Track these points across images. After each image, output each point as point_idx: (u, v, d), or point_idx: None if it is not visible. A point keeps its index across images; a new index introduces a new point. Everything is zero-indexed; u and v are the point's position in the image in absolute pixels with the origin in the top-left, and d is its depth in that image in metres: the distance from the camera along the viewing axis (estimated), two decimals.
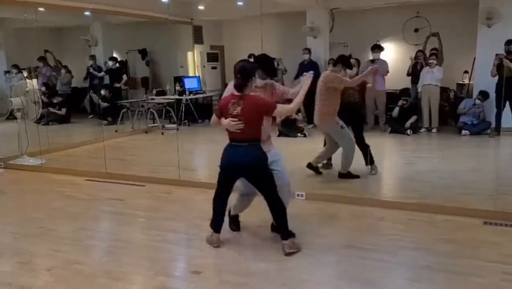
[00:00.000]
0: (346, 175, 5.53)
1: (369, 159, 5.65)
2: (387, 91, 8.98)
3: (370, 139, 5.76)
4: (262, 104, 3.49)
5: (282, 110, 3.61)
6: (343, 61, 5.44)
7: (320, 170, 5.83)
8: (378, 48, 8.87)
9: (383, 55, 9.01)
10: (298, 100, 3.59)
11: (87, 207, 4.89)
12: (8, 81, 9.07)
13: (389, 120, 8.82)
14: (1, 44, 9.23)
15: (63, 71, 10.22)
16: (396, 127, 8.54)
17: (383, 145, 7.92)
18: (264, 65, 3.73)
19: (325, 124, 5.44)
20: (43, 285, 3.18)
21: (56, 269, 3.40)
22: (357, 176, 5.53)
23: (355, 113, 5.80)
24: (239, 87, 3.44)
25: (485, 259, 3.37)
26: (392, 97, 8.96)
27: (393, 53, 10.01)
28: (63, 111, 9.89)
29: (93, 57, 10.20)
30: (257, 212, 4.56)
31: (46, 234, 4.11)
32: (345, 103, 5.52)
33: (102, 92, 9.79)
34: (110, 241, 4.02)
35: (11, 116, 6.96)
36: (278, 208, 3.55)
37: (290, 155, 6.88)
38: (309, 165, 5.76)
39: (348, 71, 5.76)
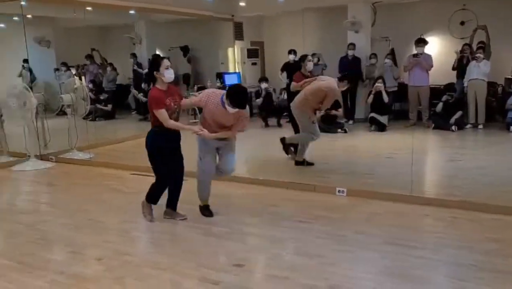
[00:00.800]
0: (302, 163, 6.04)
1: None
2: (430, 86, 8.77)
3: (413, 135, 5.66)
4: None
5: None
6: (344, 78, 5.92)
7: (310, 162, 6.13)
8: (422, 42, 8.67)
9: (427, 49, 8.79)
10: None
11: (132, 200, 5.06)
12: (58, 78, 9.47)
13: (433, 115, 8.62)
14: (51, 42, 9.62)
15: (108, 68, 10.55)
16: (440, 123, 8.33)
17: (426, 141, 7.76)
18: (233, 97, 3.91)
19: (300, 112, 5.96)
20: (94, 274, 3.34)
21: (106, 259, 3.56)
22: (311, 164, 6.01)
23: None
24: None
25: None
26: (436, 92, 8.74)
27: (437, 47, 9.74)
28: (109, 107, 10.23)
29: (134, 55, 10.47)
30: (297, 206, 4.61)
31: (95, 226, 4.31)
32: None
33: (143, 86, 10.05)
34: (155, 233, 4.16)
35: (61, 112, 7.29)
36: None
37: (331, 152, 6.89)
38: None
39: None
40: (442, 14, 9.66)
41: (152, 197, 4.30)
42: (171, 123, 4.01)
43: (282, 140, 6.29)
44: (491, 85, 8.70)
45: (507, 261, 3.27)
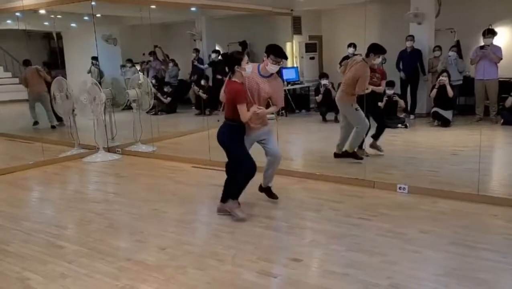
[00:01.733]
0: (348, 154, 6.03)
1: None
2: (499, 79, 8.30)
3: (481, 131, 5.40)
4: None
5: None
6: (374, 49, 5.80)
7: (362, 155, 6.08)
8: (491, 33, 8.20)
9: (496, 41, 8.31)
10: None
11: (194, 192, 5.23)
12: (124, 74, 9.91)
13: (501, 110, 8.16)
14: (117, 40, 10.08)
15: (170, 64, 10.90)
16: (510, 118, 7.87)
17: (494, 137, 7.37)
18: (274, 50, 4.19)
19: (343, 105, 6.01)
20: (158, 262, 3.48)
21: (169, 248, 3.70)
22: (361, 158, 5.97)
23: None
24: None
25: None
26: (506, 86, 8.26)
27: (508, 38, 9.17)
28: (167, 100, 10.53)
29: (196, 50, 10.74)
30: (355, 202, 4.55)
31: (159, 216, 4.49)
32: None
33: (202, 82, 10.28)
34: (215, 225, 4.26)
35: (126, 107, 7.63)
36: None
37: (391, 148, 6.71)
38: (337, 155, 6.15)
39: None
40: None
41: (237, 192, 4.34)
42: (248, 117, 4.09)
43: (345, 154, 6.12)
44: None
45: None
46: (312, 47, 11.25)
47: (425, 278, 3.06)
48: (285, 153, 6.36)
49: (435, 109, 8.34)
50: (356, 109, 5.84)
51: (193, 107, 11.10)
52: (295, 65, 11.08)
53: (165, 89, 10.54)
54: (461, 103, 9.13)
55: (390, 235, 3.74)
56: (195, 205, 4.84)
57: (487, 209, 4.20)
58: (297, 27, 11.18)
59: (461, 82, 8.85)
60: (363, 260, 3.34)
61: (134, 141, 7.49)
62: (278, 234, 3.99)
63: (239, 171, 4.25)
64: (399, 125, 8.22)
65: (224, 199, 4.40)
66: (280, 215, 4.37)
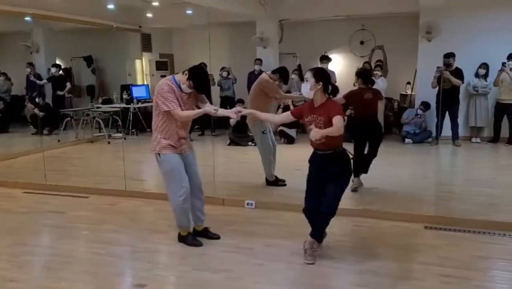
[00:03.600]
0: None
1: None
2: None
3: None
4: None
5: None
6: (281, 72, 5.62)
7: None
8: (326, 59, 9.07)
9: (331, 66, 9.22)
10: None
11: (25, 221, 4.61)
12: None
13: None
14: None
15: (1, 78, 9.72)
16: None
17: None
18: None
19: (252, 125, 5.69)
20: None
21: None
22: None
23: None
24: None
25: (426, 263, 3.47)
26: None
27: (340, 64, 10.28)
28: None
29: (31, 64, 9.74)
30: (210, 220, 4.49)
31: None
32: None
33: (37, 100, 9.36)
34: (48, 256, 3.81)
35: None
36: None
37: (243, 164, 6.86)
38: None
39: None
40: (344, 33, 10.25)
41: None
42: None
43: (269, 182, 5.72)
44: (388, 101, 9.33)
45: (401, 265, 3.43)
46: (163, 65, 11.09)
47: None
48: (134, 174, 6.11)
49: (281, 128, 8.84)
50: (263, 132, 5.64)
51: (31, 126, 10.02)
52: (145, 83, 10.78)
53: None
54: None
55: (236, 250, 3.75)
56: (26, 235, 4.25)
57: None
58: (146, 44, 10.94)
59: (302, 102, 9.54)
60: (209, 278, 3.27)
61: None
62: (121, 260, 3.71)
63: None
64: (250, 143, 8.49)
65: None
66: (124, 240, 4.08)
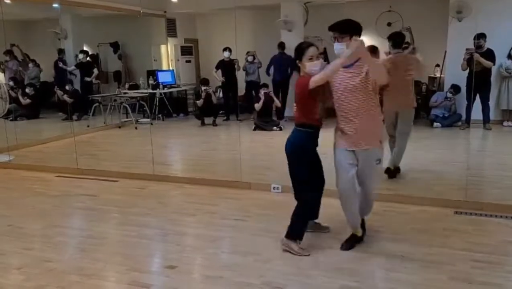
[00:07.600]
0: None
1: None
2: None
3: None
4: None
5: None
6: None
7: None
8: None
9: None
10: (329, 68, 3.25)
11: (58, 204, 4.76)
12: None
13: None
14: None
15: (31, 65, 9.91)
16: None
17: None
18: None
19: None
20: (13, 284, 3.08)
21: (27, 267, 3.29)
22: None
23: None
24: None
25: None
26: None
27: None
28: (27, 101, 9.49)
29: (61, 51, 9.92)
30: (237, 205, 4.53)
31: (15, 232, 3.98)
32: None
33: (67, 87, 9.53)
34: (82, 238, 3.92)
35: None
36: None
37: (267, 149, 6.88)
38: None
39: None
40: (370, 15, 10.00)
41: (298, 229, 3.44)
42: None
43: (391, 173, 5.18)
44: (416, 84, 9.12)
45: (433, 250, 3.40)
46: (188, 50, 11.12)
47: (293, 273, 3.14)
48: (161, 158, 6.21)
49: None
50: None
51: (60, 112, 10.24)
52: (170, 68, 10.85)
53: (27, 90, 9.54)
54: None
55: (263, 234, 3.78)
56: (59, 217, 4.39)
57: None
58: (171, 30, 10.97)
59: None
60: (238, 261, 3.32)
61: None
62: (151, 242, 3.79)
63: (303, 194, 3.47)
64: (274, 127, 8.49)
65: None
66: (153, 222, 4.17)
